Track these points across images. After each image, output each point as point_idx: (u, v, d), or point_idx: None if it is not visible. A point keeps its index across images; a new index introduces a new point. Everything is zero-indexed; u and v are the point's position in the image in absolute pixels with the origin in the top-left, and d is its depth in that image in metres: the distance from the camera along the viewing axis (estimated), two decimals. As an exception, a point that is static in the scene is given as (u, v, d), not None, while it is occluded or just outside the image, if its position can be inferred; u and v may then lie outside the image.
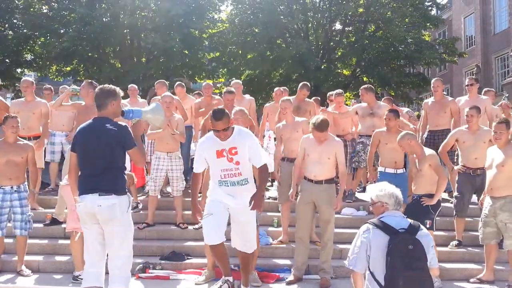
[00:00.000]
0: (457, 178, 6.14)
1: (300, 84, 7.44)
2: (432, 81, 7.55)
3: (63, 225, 6.14)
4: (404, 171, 6.15)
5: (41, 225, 6.37)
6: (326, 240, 5.33)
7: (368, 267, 3.34)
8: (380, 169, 6.23)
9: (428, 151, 5.56)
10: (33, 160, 5.54)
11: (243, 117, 5.17)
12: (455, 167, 6.17)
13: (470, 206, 6.21)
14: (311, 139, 5.33)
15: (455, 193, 6.16)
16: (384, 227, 3.32)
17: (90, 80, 6.63)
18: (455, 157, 6.61)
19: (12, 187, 5.35)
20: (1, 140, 5.50)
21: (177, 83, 8.55)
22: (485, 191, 5.50)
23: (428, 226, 5.21)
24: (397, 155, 6.03)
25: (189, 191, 7.20)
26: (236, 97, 7.49)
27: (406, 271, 3.14)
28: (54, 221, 6.40)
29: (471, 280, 5.44)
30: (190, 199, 6.45)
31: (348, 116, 7.54)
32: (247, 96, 8.42)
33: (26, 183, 5.55)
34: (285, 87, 8.73)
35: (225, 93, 6.77)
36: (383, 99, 8.80)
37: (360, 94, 7.47)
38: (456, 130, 6.29)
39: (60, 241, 6.13)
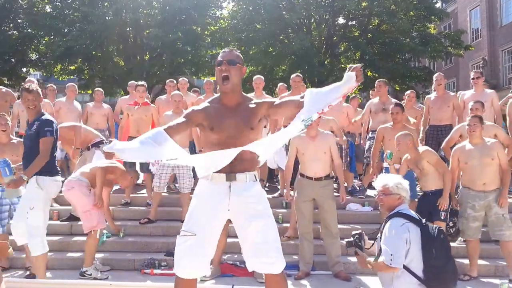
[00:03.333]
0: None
1: (292, 76, 7.49)
2: (435, 75, 7.52)
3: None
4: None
5: (50, 222, 6.43)
6: (335, 234, 5.37)
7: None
8: (385, 164, 6.15)
9: (422, 148, 5.56)
10: None
11: None
12: None
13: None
14: (302, 137, 5.32)
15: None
16: (414, 219, 3.37)
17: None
18: None
19: None
20: None
21: (180, 79, 8.60)
22: (448, 188, 5.35)
23: (442, 218, 5.25)
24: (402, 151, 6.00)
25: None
26: (256, 94, 7.50)
27: (448, 260, 3.27)
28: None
29: (464, 277, 5.31)
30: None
31: (362, 118, 7.59)
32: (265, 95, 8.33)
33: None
34: (283, 83, 8.65)
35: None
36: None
37: (376, 86, 7.49)
38: (460, 125, 6.23)
39: (67, 238, 6.21)
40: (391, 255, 3.24)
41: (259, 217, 2.84)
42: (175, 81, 8.42)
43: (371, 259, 3.50)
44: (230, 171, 2.84)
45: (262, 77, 7.96)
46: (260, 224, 2.83)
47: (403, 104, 8.04)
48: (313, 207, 5.47)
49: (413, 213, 3.51)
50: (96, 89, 9.07)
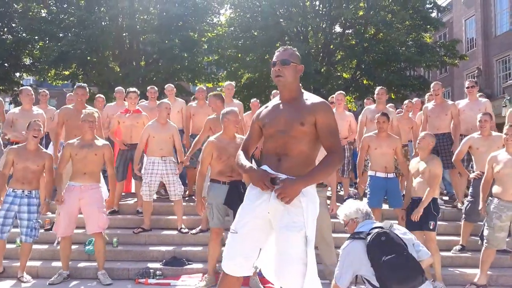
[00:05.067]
0: (472, 183, 6.09)
1: None
2: (432, 84, 7.56)
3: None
4: (395, 175, 6.12)
5: (41, 230, 6.32)
6: (330, 242, 5.31)
7: (363, 278, 3.48)
8: (370, 173, 6.18)
9: (434, 156, 5.62)
10: (50, 168, 5.50)
11: (235, 118, 5.08)
12: (471, 175, 6.12)
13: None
14: None
15: (468, 197, 6.10)
16: (357, 236, 3.54)
17: (81, 84, 6.68)
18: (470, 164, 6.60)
19: (23, 191, 5.31)
20: (22, 145, 5.48)
21: (167, 85, 8.55)
22: (482, 196, 5.41)
23: (431, 227, 5.26)
24: (387, 160, 6.03)
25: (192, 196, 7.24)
26: (226, 100, 7.45)
27: (385, 257, 3.29)
28: None
29: (468, 286, 5.34)
30: (192, 204, 6.44)
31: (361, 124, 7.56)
32: (236, 101, 8.37)
33: (38, 190, 5.49)
34: (276, 90, 8.65)
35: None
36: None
37: (377, 93, 7.45)
38: (469, 137, 6.26)
39: (59, 247, 6.07)
40: (336, 271, 3.57)
41: (292, 230, 2.74)
42: (155, 88, 8.39)
43: None
44: (275, 170, 2.82)
45: (343, 93, 7.96)
46: (289, 236, 2.74)
47: (401, 114, 8.11)
48: None
49: (367, 227, 3.58)
50: (97, 95, 9.06)
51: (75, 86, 6.69)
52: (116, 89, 8.34)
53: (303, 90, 3.00)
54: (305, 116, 2.82)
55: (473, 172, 6.16)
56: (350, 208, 3.80)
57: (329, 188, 5.39)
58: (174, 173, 6.43)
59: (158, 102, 7.09)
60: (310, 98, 2.92)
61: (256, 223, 2.87)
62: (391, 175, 6.03)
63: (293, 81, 2.94)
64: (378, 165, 6.05)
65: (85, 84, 6.83)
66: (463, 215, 6.11)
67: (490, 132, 6.07)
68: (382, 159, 6.02)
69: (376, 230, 3.46)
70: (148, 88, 8.32)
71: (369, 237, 3.41)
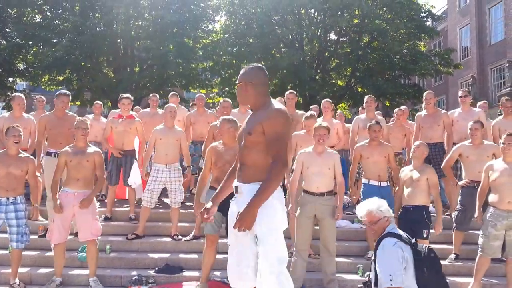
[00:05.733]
0: (460, 191, 6.09)
1: (286, 94, 7.53)
2: (424, 94, 7.58)
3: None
4: (388, 184, 6.12)
5: (34, 236, 6.28)
6: (332, 252, 5.32)
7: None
8: (364, 181, 6.18)
9: (428, 166, 5.67)
10: (34, 173, 5.43)
11: (228, 127, 5.11)
12: (459, 183, 6.11)
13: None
14: (309, 153, 5.35)
15: (458, 206, 6.09)
16: (405, 239, 3.39)
17: (65, 91, 6.65)
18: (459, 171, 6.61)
19: (8, 199, 5.23)
20: (2, 151, 5.39)
21: (172, 93, 8.57)
22: (479, 205, 5.43)
23: (425, 235, 5.28)
24: (380, 168, 6.03)
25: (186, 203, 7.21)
26: (240, 109, 7.47)
27: (440, 279, 3.35)
28: None
29: None
30: (185, 210, 6.42)
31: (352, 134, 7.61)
32: (250, 110, 8.32)
33: (23, 195, 5.41)
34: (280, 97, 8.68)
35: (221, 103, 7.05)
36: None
37: (366, 101, 7.54)
38: (459, 145, 6.24)
39: (52, 253, 6.03)
40: (390, 275, 3.18)
41: (256, 240, 2.83)
42: (157, 95, 8.38)
43: None
44: (237, 180, 2.99)
45: (330, 100, 8.01)
46: (239, 236, 2.88)
47: (393, 122, 8.15)
48: (314, 224, 5.40)
49: (401, 232, 3.51)
50: (96, 102, 9.07)
51: (57, 93, 6.52)
52: (120, 96, 8.37)
53: (272, 101, 3.00)
54: (253, 125, 2.88)
55: (462, 180, 6.17)
56: (383, 205, 3.58)
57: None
58: (177, 180, 6.43)
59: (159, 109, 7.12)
60: (268, 107, 2.92)
61: (237, 234, 2.88)
62: (384, 184, 6.02)
63: (245, 98, 3.03)
64: (372, 174, 6.04)
65: (69, 92, 6.81)
66: (454, 224, 6.11)
67: (481, 140, 6.04)
68: (375, 167, 6.02)
69: (424, 245, 3.48)
70: (150, 95, 8.33)
71: (422, 250, 3.36)
